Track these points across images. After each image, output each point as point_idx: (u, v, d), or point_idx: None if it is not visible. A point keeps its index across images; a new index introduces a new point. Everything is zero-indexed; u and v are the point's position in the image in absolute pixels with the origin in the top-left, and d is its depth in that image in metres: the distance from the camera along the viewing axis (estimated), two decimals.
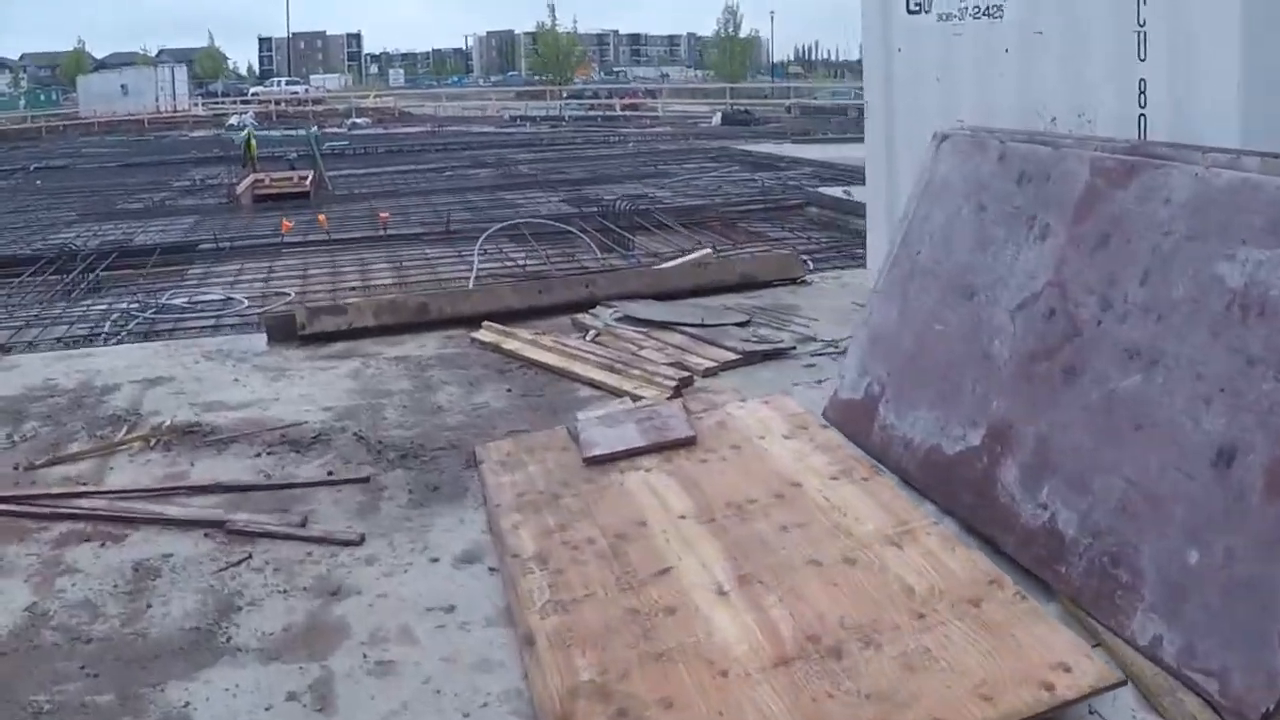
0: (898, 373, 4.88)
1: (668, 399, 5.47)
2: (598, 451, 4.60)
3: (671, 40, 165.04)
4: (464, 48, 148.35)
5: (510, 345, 6.65)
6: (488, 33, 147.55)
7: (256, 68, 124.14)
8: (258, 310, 9.69)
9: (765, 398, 5.16)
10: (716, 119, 41.51)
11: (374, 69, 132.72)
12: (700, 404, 5.17)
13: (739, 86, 58.16)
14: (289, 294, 10.27)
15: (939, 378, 4.63)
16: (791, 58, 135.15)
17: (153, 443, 5.32)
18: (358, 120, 43.98)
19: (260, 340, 7.30)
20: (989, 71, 5.06)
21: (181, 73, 58.88)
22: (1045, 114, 4.81)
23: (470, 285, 10.03)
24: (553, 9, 64.36)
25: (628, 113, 48.07)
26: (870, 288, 6.50)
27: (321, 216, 14.08)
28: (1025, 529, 3.98)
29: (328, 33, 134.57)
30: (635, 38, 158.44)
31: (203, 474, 4.89)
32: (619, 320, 7.00)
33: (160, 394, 6.18)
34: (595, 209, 14.75)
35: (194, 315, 9.62)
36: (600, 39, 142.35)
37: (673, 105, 54.24)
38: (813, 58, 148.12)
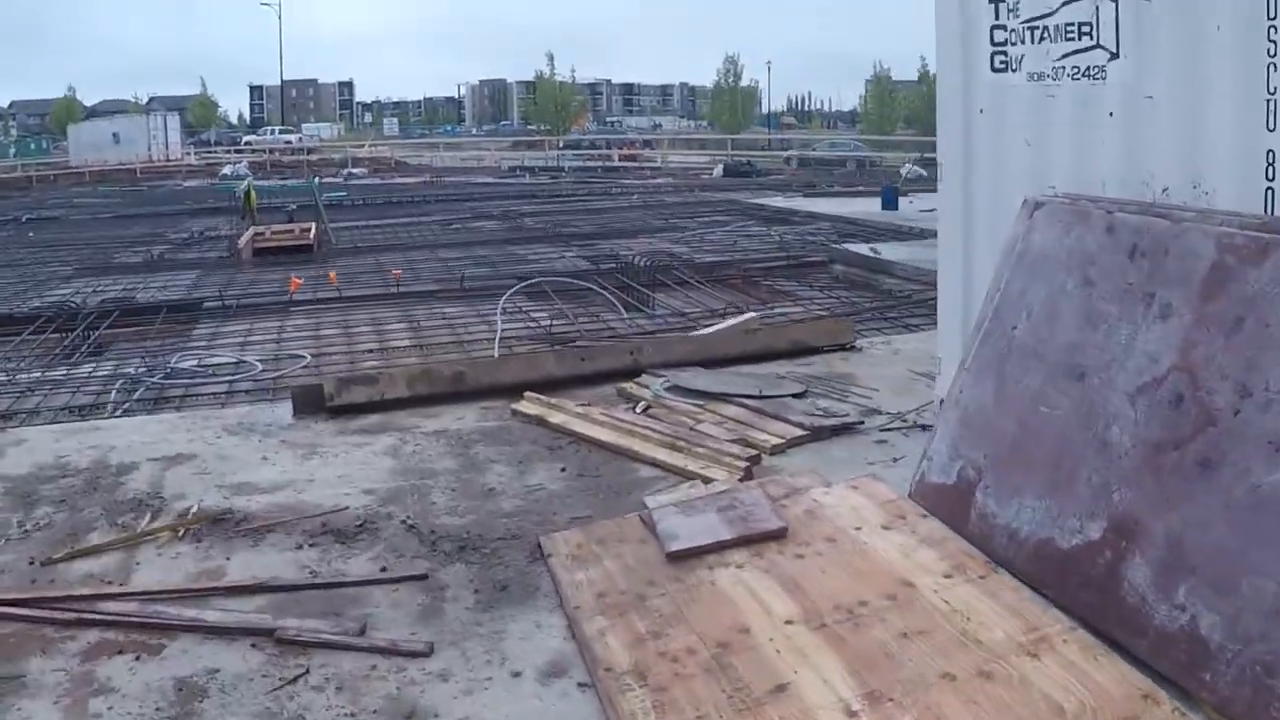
0: (997, 457, 4.56)
1: (740, 480, 5.14)
2: (680, 545, 4.26)
3: (664, 90, 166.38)
4: (456, 96, 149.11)
5: (557, 419, 6.32)
6: (480, 81, 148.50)
7: (248, 116, 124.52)
8: (272, 375, 9.37)
9: (853, 481, 4.84)
10: (718, 170, 41.53)
11: (367, 118, 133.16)
12: (780, 488, 4.84)
13: (738, 137, 58.22)
14: (304, 357, 9.95)
15: (1048, 465, 4.31)
16: (784, 108, 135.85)
17: (181, 533, 4.96)
18: (354, 170, 43.92)
19: (285, 411, 6.96)
20: (1088, 136, 4.77)
21: (174, 121, 58.86)
22: (1154, 184, 4.52)
23: (495, 347, 9.73)
24: (551, 58, 64.51)
25: (626, 163, 48.07)
26: (937, 355, 6.22)
27: (332, 274, 13.80)
28: (1160, 632, 3.66)
29: (319, 81, 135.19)
30: (628, 87, 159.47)
31: (240, 570, 4.54)
32: (669, 390, 6.68)
33: (183, 474, 5.83)
34: (614, 265, 14.50)
35: (205, 381, 9.29)
36: (593, 88, 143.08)
37: (671, 156, 54.33)
38: (806, 108, 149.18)
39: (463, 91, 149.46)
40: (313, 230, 19.97)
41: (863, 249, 13.78)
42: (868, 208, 20.97)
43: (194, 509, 5.22)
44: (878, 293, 12.19)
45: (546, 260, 16.18)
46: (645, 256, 14.96)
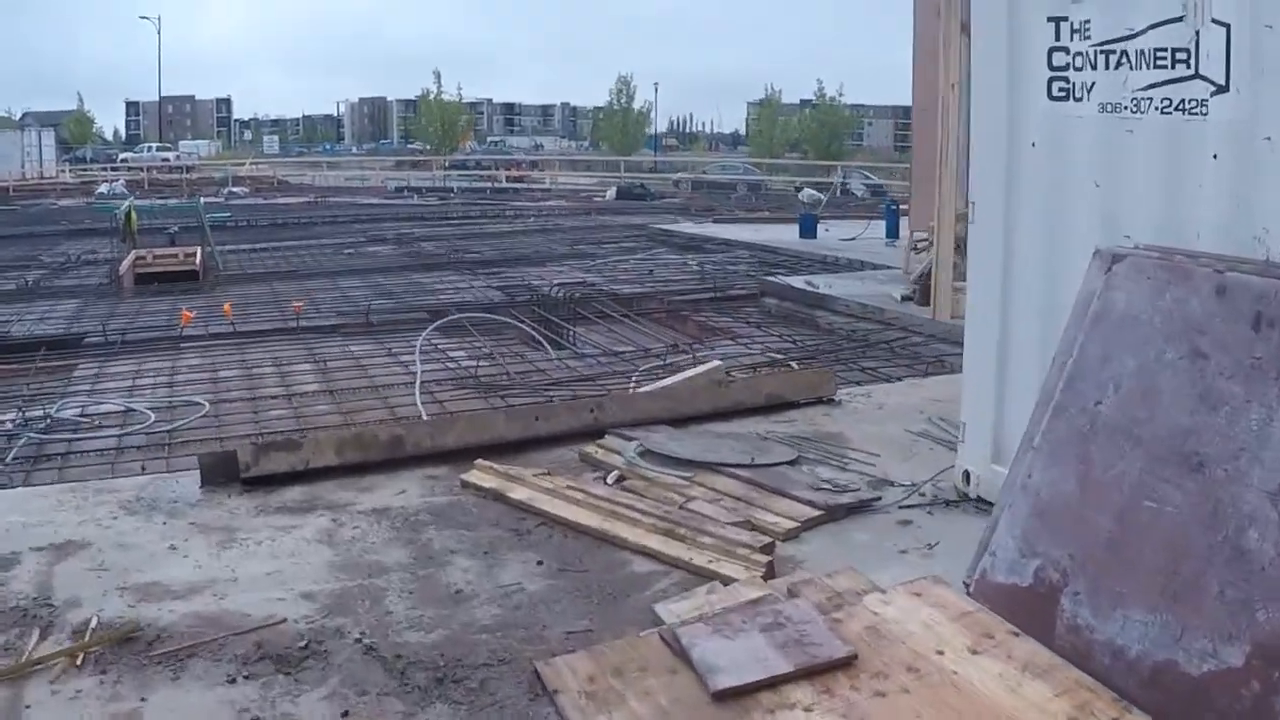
0: (1088, 558, 3.78)
1: (763, 578, 4.28)
2: (728, 682, 3.37)
3: (545, 110, 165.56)
4: (336, 114, 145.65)
5: (519, 494, 5.37)
6: (360, 99, 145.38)
7: (123, 132, 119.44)
8: (167, 426, 8.21)
9: (912, 586, 4.00)
10: (611, 193, 40.72)
11: (246, 136, 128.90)
12: (821, 593, 3.99)
13: (629, 159, 57.41)
14: (202, 405, 8.78)
15: (1160, 571, 3.55)
16: (666, 129, 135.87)
17: (80, 659, 3.89)
18: (235, 189, 41.85)
19: (191, 482, 5.85)
20: (1181, 181, 4.02)
21: (49, 137, 55.56)
22: (1269, 239, 3.80)
23: (416, 395, 8.71)
24: (438, 75, 62.14)
25: (515, 185, 46.95)
26: (962, 420, 5.43)
27: (227, 305, 12.54)
28: None
29: (197, 98, 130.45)
30: (509, 107, 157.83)
31: (161, 716, 3.51)
32: (643, 456, 5.79)
33: (75, 570, 4.72)
34: (530, 296, 13.55)
35: (91, 434, 8.08)
36: (475, 107, 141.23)
37: (559, 178, 53.36)
38: (688, 130, 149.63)
39: (342, 109, 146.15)
40: (198, 255, 18.63)
41: (795, 281, 13.05)
42: (783, 235, 20.30)
43: (94, 623, 4.15)
44: (819, 330, 11.46)
45: (454, 290, 15.12)
46: (561, 287, 14.05)
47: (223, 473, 5.76)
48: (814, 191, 36.01)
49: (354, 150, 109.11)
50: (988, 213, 4.90)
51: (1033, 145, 4.62)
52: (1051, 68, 4.47)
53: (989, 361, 5.02)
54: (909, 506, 5.24)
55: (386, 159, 70.13)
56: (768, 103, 65.32)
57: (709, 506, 5.13)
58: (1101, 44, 4.26)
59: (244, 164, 55.87)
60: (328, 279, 16.99)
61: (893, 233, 19.40)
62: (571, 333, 11.79)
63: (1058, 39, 4.42)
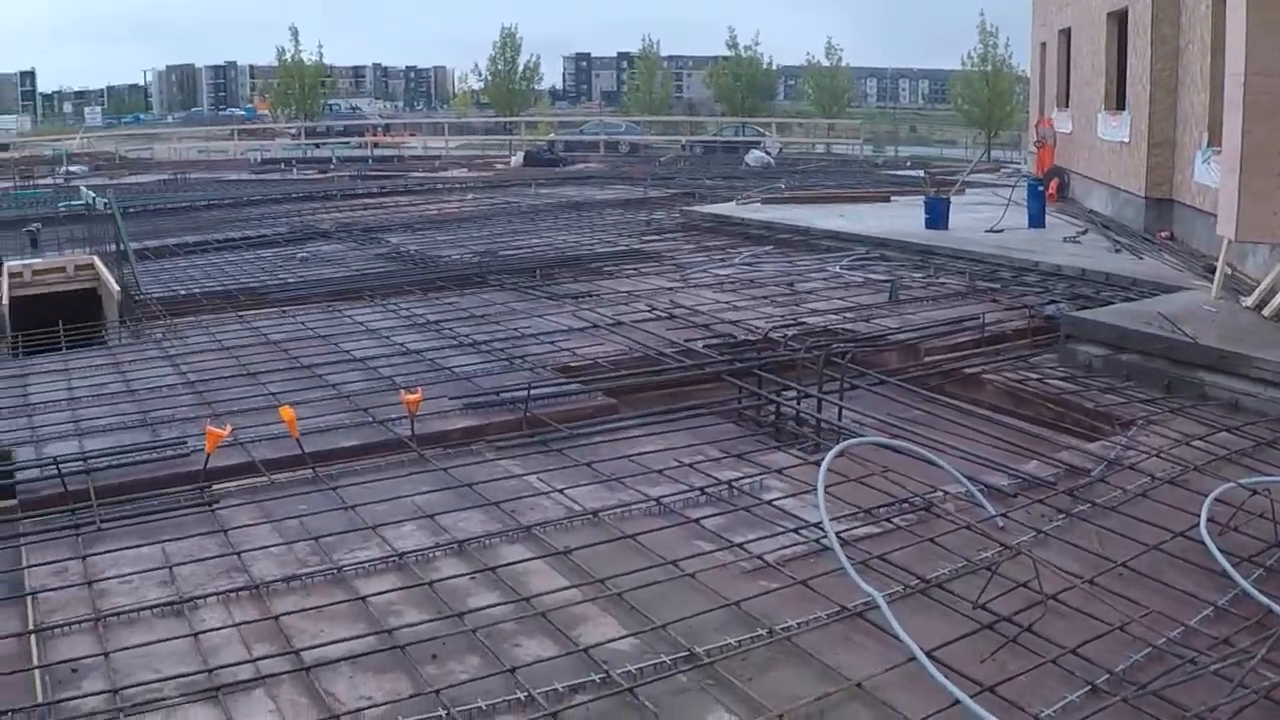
0: None
1: None
2: None
3: (356, 71, 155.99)
4: (142, 83, 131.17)
5: None
6: (167, 67, 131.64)
7: None
8: None
9: None
10: (517, 159, 34.44)
11: (67, 108, 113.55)
12: None
13: (516, 119, 50.20)
14: None
15: None
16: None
17: None
18: (72, 169, 33.67)
19: None
20: None
21: None
22: None
23: None
24: (295, 33, 51.55)
25: (400, 153, 39.92)
26: None
27: (287, 411, 6.37)
28: None
29: None
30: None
31: None
32: None
33: None
34: (736, 345, 8.13)
35: None
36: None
37: (429, 143, 46.51)
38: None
39: (149, 78, 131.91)
40: (100, 269, 12.62)
41: (1124, 321, 7.86)
42: (893, 223, 14.22)
43: None
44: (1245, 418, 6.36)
45: (585, 337, 9.33)
46: (774, 331, 8.71)
47: None
48: (761, 154, 30.78)
49: (168, 120, 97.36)
50: None
51: None
52: None
53: None
54: None
55: (217, 128, 60.46)
56: (645, 56, 58.66)
57: None
58: None
59: (74, 139, 46.21)
60: (325, 311, 10.90)
61: (1037, 221, 14.01)
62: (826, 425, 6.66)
63: None
